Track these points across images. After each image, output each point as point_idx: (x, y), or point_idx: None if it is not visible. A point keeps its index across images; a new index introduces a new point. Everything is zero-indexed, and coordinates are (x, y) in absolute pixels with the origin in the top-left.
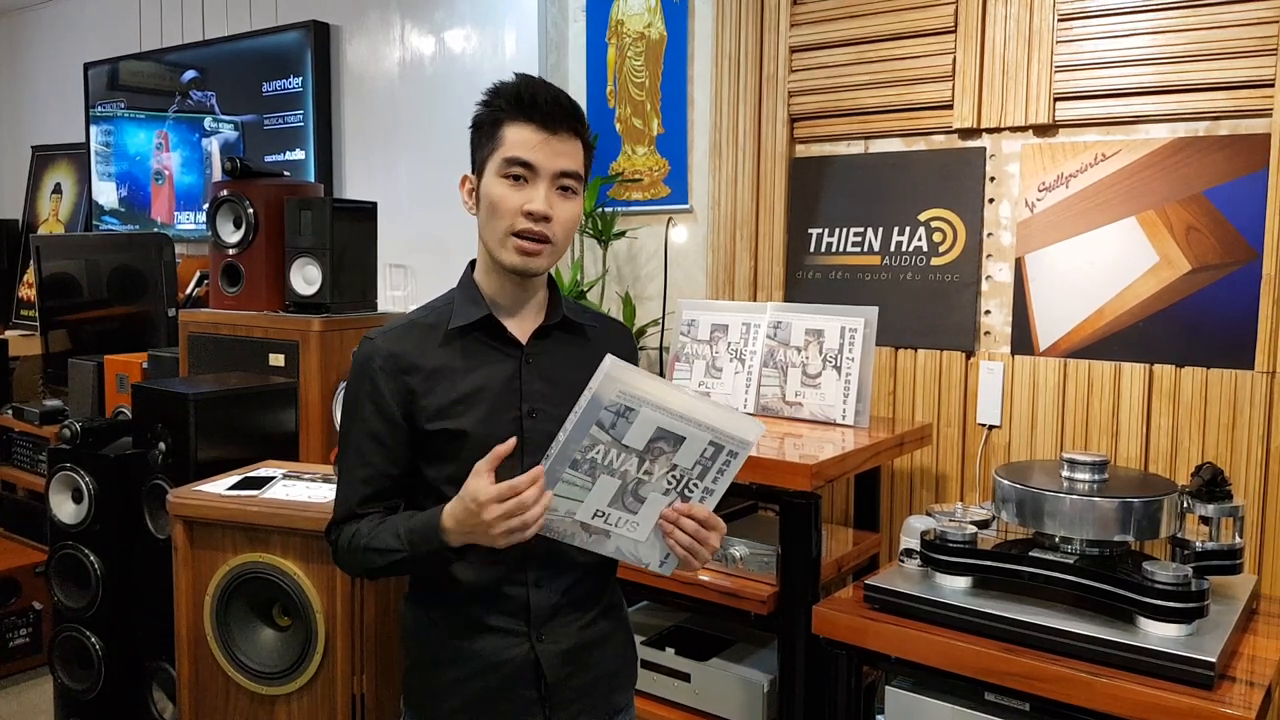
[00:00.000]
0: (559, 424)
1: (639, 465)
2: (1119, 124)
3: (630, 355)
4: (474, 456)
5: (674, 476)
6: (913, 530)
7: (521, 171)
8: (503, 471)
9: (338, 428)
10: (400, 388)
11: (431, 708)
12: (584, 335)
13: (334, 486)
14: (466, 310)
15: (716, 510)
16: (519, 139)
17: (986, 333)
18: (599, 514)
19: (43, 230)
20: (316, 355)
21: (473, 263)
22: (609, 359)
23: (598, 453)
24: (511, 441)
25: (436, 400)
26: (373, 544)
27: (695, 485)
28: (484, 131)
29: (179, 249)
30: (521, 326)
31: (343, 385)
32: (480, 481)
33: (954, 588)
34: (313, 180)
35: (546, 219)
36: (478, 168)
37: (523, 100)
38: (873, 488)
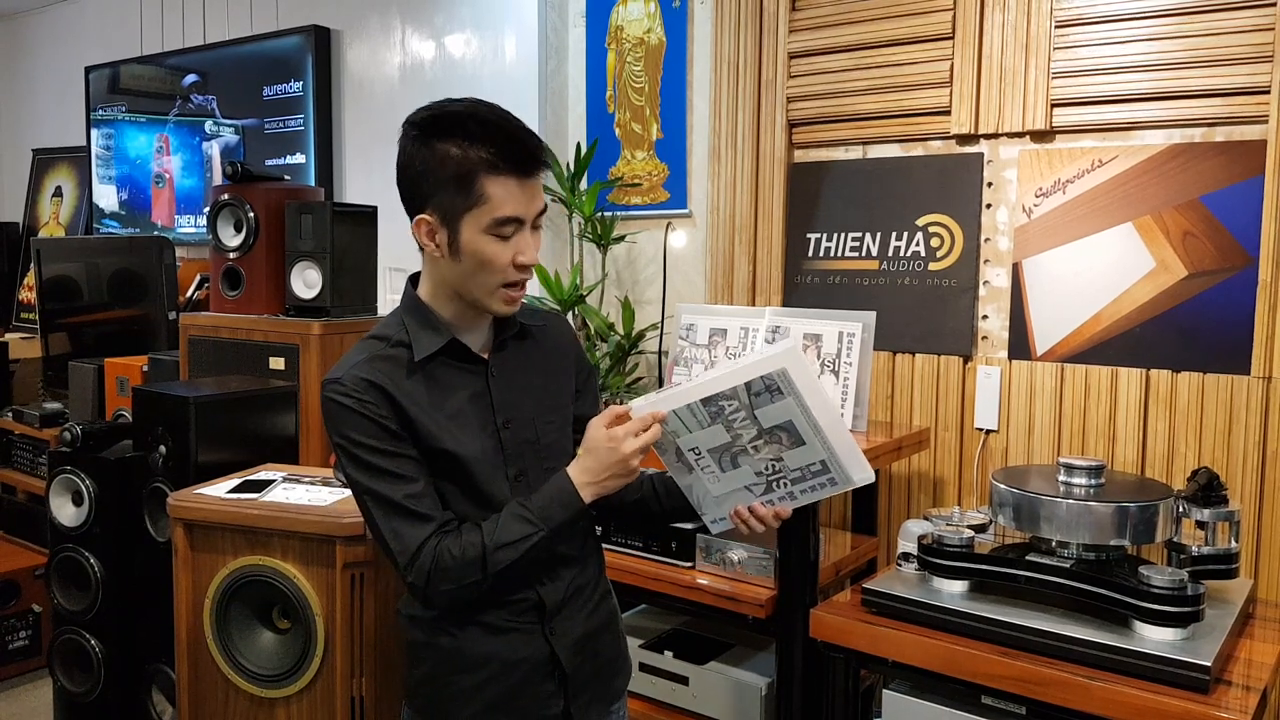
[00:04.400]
0: (534, 429)
1: (753, 438)
2: (1116, 130)
3: (571, 343)
4: (467, 475)
5: (774, 465)
6: (910, 534)
7: (512, 228)
8: (494, 482)
9: (336, 471)
10: (393, 406)
11: (449, 716)
12: (534, 337)
13: (333, 491)
14: (427, 338)
15: None
16: (504, 195)
17: (984, 337)
18: (695, 450)
19: (43, 233)
20: (316, 359)
21: (412, 280)
22: (797, 349)
23: (731, 406)
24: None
25: (420, 430)
26: (501, 540)
27: (785, 484)
28: (454, 183)
29: (179, 252)
30: (479, 341)
31: None
32: (600, 423)
33: (951, 591)
34: (313, 184)
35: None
36: (448, 217)
37: (501, 152)
38: (870, 491)
